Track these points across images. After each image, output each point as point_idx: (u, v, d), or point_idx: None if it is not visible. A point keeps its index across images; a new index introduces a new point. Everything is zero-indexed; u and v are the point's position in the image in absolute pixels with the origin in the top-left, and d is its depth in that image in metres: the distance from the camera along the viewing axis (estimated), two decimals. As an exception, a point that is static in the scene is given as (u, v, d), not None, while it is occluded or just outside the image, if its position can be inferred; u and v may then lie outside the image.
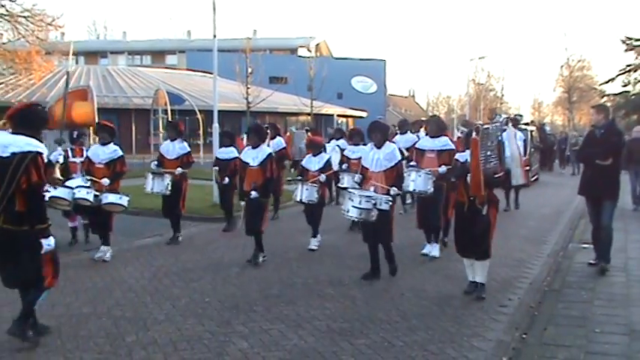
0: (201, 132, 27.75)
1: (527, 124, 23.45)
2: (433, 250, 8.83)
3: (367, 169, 7.65)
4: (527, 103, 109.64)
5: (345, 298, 6.77)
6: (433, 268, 8.25)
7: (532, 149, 19.75)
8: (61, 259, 7.85)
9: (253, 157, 8.49)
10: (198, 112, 27.51)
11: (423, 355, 5.13)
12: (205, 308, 6.39)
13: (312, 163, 9.92)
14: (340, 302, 6.54)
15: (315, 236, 9.59)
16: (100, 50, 67.24)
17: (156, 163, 10.23)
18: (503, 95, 65.89)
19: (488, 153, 6.50)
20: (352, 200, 7.22)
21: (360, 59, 58.04)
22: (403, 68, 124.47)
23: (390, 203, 7.39)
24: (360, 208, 7.18)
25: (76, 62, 55.08)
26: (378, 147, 7.59)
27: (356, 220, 7.67)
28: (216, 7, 14.93)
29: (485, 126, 6.69)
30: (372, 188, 7.46)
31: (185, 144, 10.31)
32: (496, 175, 6.58)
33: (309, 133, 11.56)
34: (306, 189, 9.28)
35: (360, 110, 46.85)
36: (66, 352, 5.13)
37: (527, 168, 13.48)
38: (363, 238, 7.76)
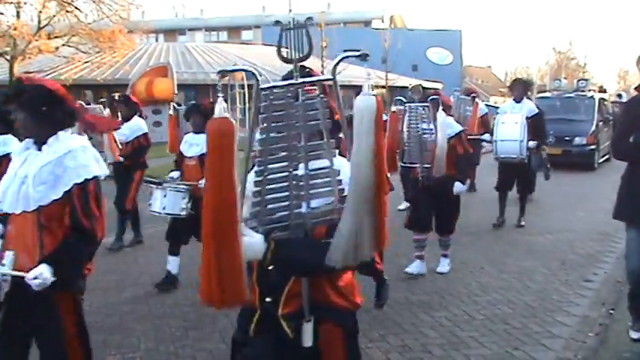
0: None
1: (600, 89, 19.55)
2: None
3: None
4: (612, 71, 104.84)
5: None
6: (513, 242, 8.05)
7: (601, 122, 16.46)
8: (144, 231, 8.22)
9: None
10: (274, 87, 27.83)
11: (505, 329, 5.04)
12: (285, 279, 6.48)
13: (191, 144, 6.05)
14: (419, 275, 6.48)
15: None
16: (179, 28, 68.74)
17: None
18: (586, 64, 63.18)
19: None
20: None
21: (436, 30, 56.94)
22: (480, 38, 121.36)
23: (43, 285, 2.76)
24: None
25: (156, 40, 56.56)
26: (39, 148, 2.99)
27: None
28: (291, -20, 14.94)
29: None
30: (7, 257, 2.82)
31: None
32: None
33: None
34: (165, 195, 5.80)
35: (436, 82, 46.13)
36: (153, 319, 5.36)
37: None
38: None
